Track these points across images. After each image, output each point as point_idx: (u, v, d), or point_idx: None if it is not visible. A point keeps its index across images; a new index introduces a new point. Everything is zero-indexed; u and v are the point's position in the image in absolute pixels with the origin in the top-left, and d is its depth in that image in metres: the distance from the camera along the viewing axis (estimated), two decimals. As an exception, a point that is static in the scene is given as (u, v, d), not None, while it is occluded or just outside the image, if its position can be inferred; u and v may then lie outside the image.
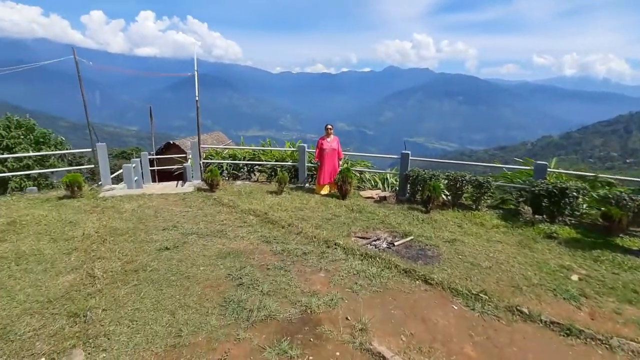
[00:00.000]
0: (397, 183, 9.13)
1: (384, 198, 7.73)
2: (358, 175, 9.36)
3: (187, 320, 3.41)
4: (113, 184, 8.94)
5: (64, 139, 19.07)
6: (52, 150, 18.23)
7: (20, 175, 16.73)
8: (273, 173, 9.60)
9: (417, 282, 4.24)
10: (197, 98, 8.28)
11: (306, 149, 8.82)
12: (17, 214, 6.30)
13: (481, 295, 3.88)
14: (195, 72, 8.08)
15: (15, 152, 17.07)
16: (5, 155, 14.26)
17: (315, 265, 4.60)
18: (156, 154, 12.05)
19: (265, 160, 9.51)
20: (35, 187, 10.22)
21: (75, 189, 7.34)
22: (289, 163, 9.28)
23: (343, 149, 8.49)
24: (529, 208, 6.44)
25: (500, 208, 7.36)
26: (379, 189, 9.04)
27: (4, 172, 16.59)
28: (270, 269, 4.47)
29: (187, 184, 8.87)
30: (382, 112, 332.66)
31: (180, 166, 9.40)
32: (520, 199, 6.85)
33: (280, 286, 4.05)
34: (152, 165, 11.37)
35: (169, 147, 11.98)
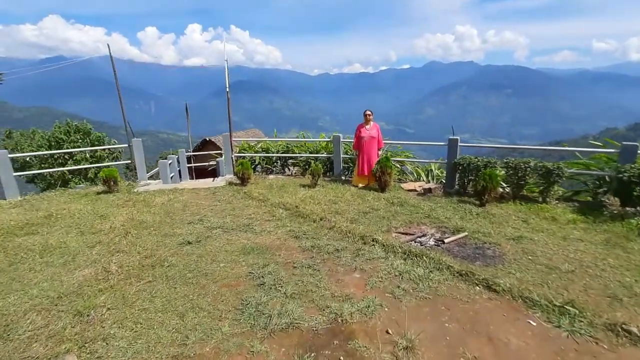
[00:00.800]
0: (443, 174, 8.12)
1: (429, 190, 6.79)
2: (398, 166, 8.47)
3: (196, 325, 2.88)
4: (153, 180, 8.92)
5: (116, 141, 20.19)
6: (106, 152, 19.34)
7: (74, 174, 17.95)
8: (307, 166, 9.03)
9: (477, 288, 3.37)
10: (227, 89, 7.95)
11: (342, 140, 8.12)
12: (56, 207, 6.31)
13: (568, 307, 2.93)
14: (225, 62, 7.75)
15: (74, 155, 18.33)
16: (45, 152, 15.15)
17: (349, 264, 3.90)
18: (193, 152, 12.07)
19: (299, 153, 8.96)
20: (82, 185, 10.62)
21: (112, 183, 7.30)
22: (324, 155, 8.65)
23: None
24: (616, 199, 5.18)
25: (574, 200, 6.10)
26: (423, 181, 8.08)
27: (65, 174, 17.84)
28: (296, 268, 3.84)
29: (219, 178, 8.59)
30: (423, 110, 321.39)
31: (213, 162, 9.20)
32: (601, 189, 5.58)
33: (306, 288, 3.41)
34: (189, 162, 11.36)
35: (206, 144, 11.93)
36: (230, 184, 7.82)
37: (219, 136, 12.68)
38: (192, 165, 11.10)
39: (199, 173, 11.81)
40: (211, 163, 9.45)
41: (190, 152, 11.36)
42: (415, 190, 7.11)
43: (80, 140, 18.50)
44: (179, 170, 10.98)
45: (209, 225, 5.27)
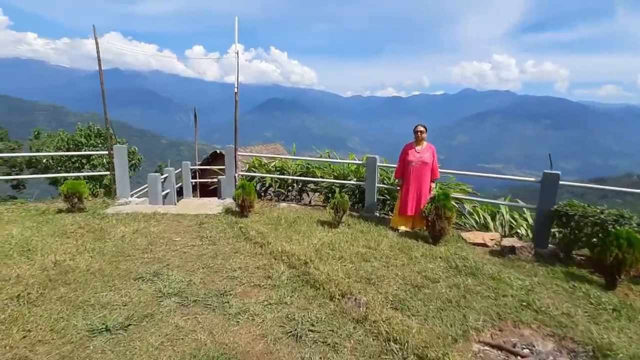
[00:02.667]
0: (522, 221, 5.70)
1: (511, 249, 4.43)
2: (455, 205, 6.15)
3: None
4: (137, 199, 7.15)
5: (136, 149, 19.18)
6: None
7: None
8: (331, 195, 6.91)
9: None
10: (235, 90, 6.11)
11: (378, 163, 5.97)
12: (-16, 230, 4.57)
13: None
14: (236, 54, 5.95)
15: (93, 159, 17.37)
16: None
17: None
18: (202, 165, 10.37)
19: (321, 177, 6.88)
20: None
21: (76, 200, 5.54)
22: (353, 182, 6.51)
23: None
24: None
25: None
26: (493, 230, 5.69)
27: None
28: None
29: (217, 202, 6.65)
30: (455, 136, 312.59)
31: (214, 179, 7.34)
32: None
33: None
34: (195, 177, 9.62)
35: (216, 158, 10.17)
36: (227, 211, 5.84)
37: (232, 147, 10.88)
38: (197, 180, 9.35)
39: (207, 190, 10.03)
40: (214, 180, 7.61)
41: (196, 165, 9.63)
42: (485, 245, 4.77)
43: (100, 145, 17.59)
44: (180, 187, 9.23)
45: (165, 285, 3.24)
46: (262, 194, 7.35)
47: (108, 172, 6.76)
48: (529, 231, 5.71)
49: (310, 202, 7.26)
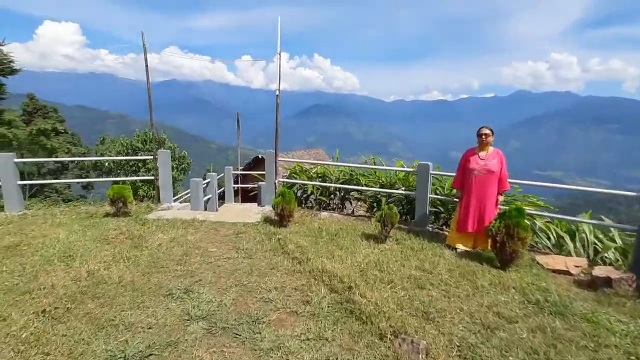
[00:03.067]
0: (611, 244, 4.69)
1: (607, 281, 3.52)
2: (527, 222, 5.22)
3: None
4: (179, 204, 7.14)
5: (185, 153, 20.05)
6: (175, 164, 19.14)
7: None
8: (376, 204, 6.33)
9: None
10: (277, 93, 5.80)
11: (431, 171, 5.28)
12: (35, 233, 4.67)
13: None
14: (278, 55, 5.64)
15: (148, 163, 18.39)
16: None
17: None
18: (244, 170, 10.30)
19: (366, 185, 6.32)
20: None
21: (121, 205, 5.56)
22: (401, 191, 5.86)
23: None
24: None
25: None
26: (576, 255, 4.72)
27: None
28: None
29: (256, 209, 6.37)
30: (507, 141, 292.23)
31: (254, 185, 7.10)
32: None
33: None
34: (237, 182, 9.54)
35: (258, 163, 10.06)
36: (266, 220, 5.51)
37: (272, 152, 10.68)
38: (239, 186, 9.25)
39: (248, 195, 9.92)
40: (254, 185, 7.38)
41: (239, 170, 9.56)
42: (567, 274, 3.89)
43: (154, 150, 18.64)
44: (223, 192, 9.19)
45: (194, 306, 2.91)
46: (303, 201, 6.96)
47: (153, 177, 6.77)
48: (620, 257, 4.66)
49: (353, 211, 6.72)
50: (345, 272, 3.56)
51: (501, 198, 4.45)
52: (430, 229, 5.39)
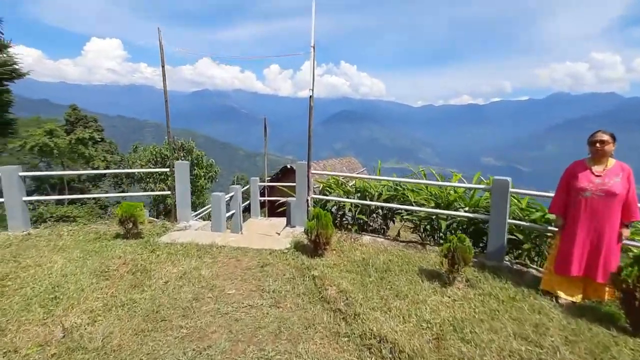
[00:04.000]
0: None
1: None
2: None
3: None
4: (198, 222, 6.29)
5: (213, 161, 19.66)
6: (203, 172, 18.79)
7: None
8: (429, 227, 5.13)
9: None
10: (310, 93, 4.83)
11: (510, 190, 4.04)
12: (29, 261, 3.94)
13: None
14: (312, 49, 4.66)
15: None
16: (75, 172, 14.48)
17: None
18: (272, 180, 9.39)
19: (416, 203, 5.14)
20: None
21: (131, 225, 4.77)
22: (465, 213, 4.63)
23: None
24: None
25: None
26: None
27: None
28: None
29: (284, 231, 5.37)
30: (543, 146, 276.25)
31: (283, 199, 6.15)
32: None
33: None
34: (263, 194, 8.66)
35: (286, 173, 9.09)
36: (297, 247, 4.50)
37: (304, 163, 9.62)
38: (265, 199, 8.35)
39: (276, 208, 9.00)
40: (283, 200, 6.43)
41: (265, 181, 8.64)
42: None
43: (182, 158, 18.37)
44: (249, 205, 8.33)
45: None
46: (338, 218, 5.90)
47: (169, 192, 5.96)
48: None
49: (398, 233, 5.55)
50: (413, 343, 2.44)
51: (627, 232, 3.15)
52: (508, 263, 4.14)
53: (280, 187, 7.02)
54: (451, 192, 5.10)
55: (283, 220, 7.71)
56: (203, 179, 18.31)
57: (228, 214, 6.75)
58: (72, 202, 24.40)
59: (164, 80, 5.27)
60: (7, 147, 26.55)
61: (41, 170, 29.06)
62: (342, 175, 5.78)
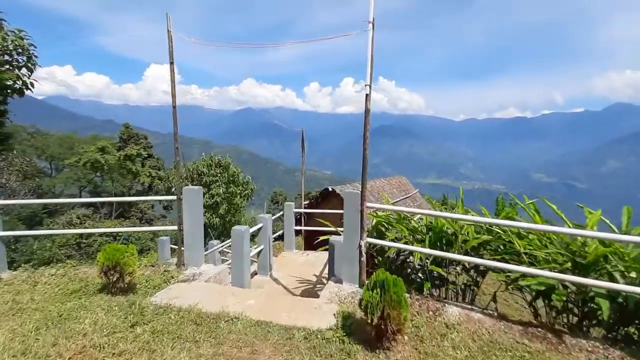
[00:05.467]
0: None
1: None
2: None
3: None
4: (215, 267, 4.86)
5: (249, 179, 18.72)
6: (239, 189, 17.86)
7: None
8: (562, 303, 3.19)
9: None
10: (367, 90, 3.24)
11: None
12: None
13: None
14: (372, 23, 3.10)
15: (212, 189, 17.37)
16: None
17: None
18: (310, 205, 7.79)
19: (526, 254, 3.26)
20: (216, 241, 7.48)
21: (116, 277, 3.43)
22: (624, 286, 2.67)
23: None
24: None
25: None
26: None
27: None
28: None
29: (329, 289, 3.70)
30: (603, 161, 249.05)
31: (324, 237, 4.50)
32: None
33: None
34: (298, 220, 7.13)
35: (327, 197, 7.35)
36: (347, 326, 2.83)
37: (350, 185, 7.82)
38: (303, 228, 6.79)
39: (314, 238, 7.43)
40: (324, 234, 4.78)
41: (302, 205, 7.06)
42: None
43: (218, 175, 17.62)
44: (282, 234, 6.84)
45: None
46: (396, 262, 4.15)
47: (175, 228, 4.54)
48: None
49: (494, 298, 3.65)
50: None
51: None
52: None
53: (319, 218, 5.41)
54: (588, 241, 3.15)
55: (323, 256, 6.09)
56: (239, 197, 17.35)
57: (255, 251, 5.29)
58: (120, 215, 24.90)
59: (172, 76, 4.01)
60: (65, 163, 28.15)
61: (97, 186, 30.52)
62: (406, 211, 4.02)
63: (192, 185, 18.19)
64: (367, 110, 3.27)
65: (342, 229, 3.85)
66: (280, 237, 7.60)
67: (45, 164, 30.48)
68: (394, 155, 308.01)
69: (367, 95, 3.23)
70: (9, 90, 8.59)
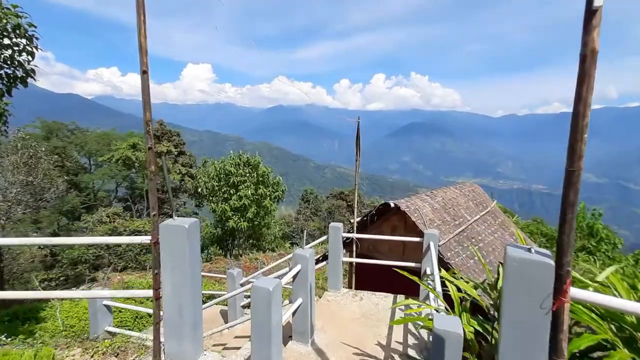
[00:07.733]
0: None
1: None
2: None
3: None
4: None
5: (281, 179, 16.98)
6: (269, 191, 16.21)
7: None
8: None
9: None
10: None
11: None
12: None
13: None
14: None
15: (240, 190, 15.86)
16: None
17: None
18: (363, 223, 5.69)
19: None
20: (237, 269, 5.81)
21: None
22: None
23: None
24: None
25: None
26: None
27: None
28: None
29: None
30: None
31: (384, 256, 2.49)
32: None
33: None
34: (346, 243, 5.12)
35: (385, 214, 5.31)
36: None
37: (414, 197, 5.62)
38: (354, 260, 4.75)
39: (373, 271, 5.32)
40: (384, 265, 2.75)
41: (354, 228, 4.96)
42: None
43: (247, 174, 16.05)
44: (325, 255, 4.86)
45: None
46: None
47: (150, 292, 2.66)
48: None
49: None
50: None
51: None
52: None
53: (375, 243, 3.34)
54: None
55: (383, 303, 4.05)
56: (269, 199, 15.67)
57: (289, 311, 3.36)
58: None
59: (141, 24, 2.12)
60: (99, 159, 28.15)
61: (133, 182, 30.60)
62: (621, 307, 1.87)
63: (217, 186, 16.69)
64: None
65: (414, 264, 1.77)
66: (321, 259, 5.65)
67: (86, 160, 30.93)
68: (424, 153, 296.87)
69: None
70: (10, 81, 7.41)
